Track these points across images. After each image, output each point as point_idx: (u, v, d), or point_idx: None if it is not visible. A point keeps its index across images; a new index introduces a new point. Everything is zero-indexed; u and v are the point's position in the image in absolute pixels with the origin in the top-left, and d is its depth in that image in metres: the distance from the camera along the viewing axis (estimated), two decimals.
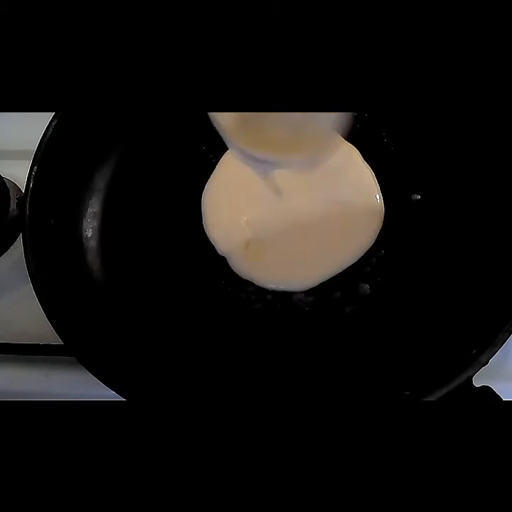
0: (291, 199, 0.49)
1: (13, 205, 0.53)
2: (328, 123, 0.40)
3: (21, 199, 0.51)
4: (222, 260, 0.49)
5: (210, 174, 0.51)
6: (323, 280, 0.47)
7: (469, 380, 0.38)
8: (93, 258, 0.51)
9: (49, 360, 0.49)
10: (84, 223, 0.52)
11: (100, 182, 0.53)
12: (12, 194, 0.53)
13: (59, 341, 0.45)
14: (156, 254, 0.50)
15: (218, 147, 0.52)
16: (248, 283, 0.48)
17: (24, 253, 0.47)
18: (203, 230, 0.50)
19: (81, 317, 0.47)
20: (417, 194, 0.48)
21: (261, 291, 0.48)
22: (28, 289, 0.46)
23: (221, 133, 0.39)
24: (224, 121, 0.39)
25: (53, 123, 0.49)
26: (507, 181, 0.45)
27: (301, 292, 0.47)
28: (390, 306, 0.46)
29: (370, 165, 0.49)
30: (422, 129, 0.49)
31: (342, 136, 0.41)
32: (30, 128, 0.49)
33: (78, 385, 0.47)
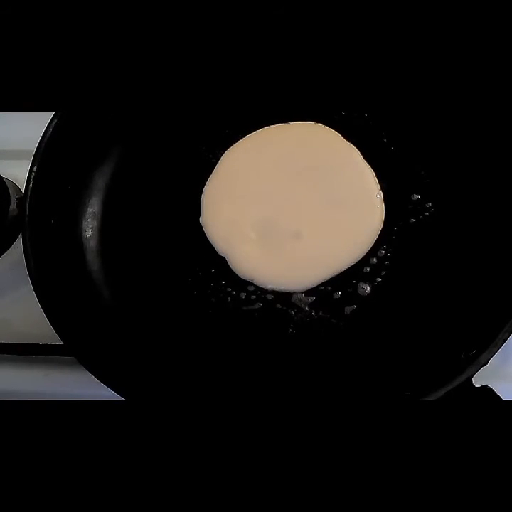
0: (292, 199, 0.49)
1: (13, 205, 0.53)
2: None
3: (21, 199, 0.51)
4: (222, 260, 0.49)
5: (210, 174, 0.51)
6: (323, 280, 0.47)
7: (469, 380, 0.38)
8: (93, 258, 0.51)
9: (49, 360, 0.49)
10: (84, 223, 0.52)
11: (100, 182, 0.53)
12: (12, 194, 0.53)
13: (59, 341, 0.45)
14: (156, 254, 0.50)
15: (218, 147, 0.52)
16: (248, 283, 0.48)
17: (24, 253, 0.47)
18: (202, 230, 0.50)
19: (81, 317, 0.47)
20: (417, 194, 0.48)
21: (261, 291, 0.48)
22: (28, 289, 0.46)
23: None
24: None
25: (53, 123, 0.49)
26: (507, 181, 0.45)
27: (301, 292, 0.47)
28: (390, 307, 0.46)
29: (370, 165, 0.49)
30: (422, 129, 0.49)
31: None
32: (30, 128, 0.49)
33: (78, 385, 0.47)
